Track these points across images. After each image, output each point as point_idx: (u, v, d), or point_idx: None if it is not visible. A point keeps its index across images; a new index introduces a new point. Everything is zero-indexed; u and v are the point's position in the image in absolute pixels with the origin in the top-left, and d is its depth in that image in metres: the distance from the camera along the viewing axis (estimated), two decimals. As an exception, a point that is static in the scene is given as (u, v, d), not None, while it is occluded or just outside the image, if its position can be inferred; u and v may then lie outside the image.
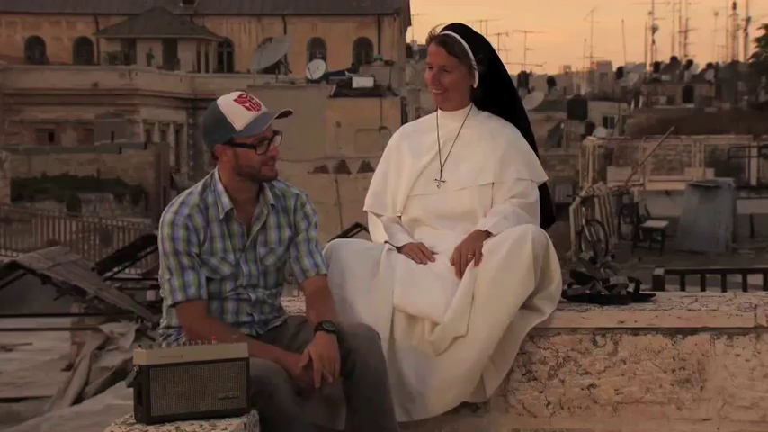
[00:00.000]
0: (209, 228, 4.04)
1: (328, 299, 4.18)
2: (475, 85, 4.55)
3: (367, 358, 4.00)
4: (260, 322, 4.14)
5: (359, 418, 4.04)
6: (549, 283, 4.37)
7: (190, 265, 3.99)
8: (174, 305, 4.02)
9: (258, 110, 4.05)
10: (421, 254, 4.42)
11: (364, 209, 4.71)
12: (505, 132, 4.59)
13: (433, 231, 4.53)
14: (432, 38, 4.53)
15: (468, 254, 4.32)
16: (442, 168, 4.56)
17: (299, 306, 4.53)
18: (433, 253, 4.45)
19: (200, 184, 4.12)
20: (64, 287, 17.77)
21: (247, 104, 4.04)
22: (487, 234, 4.37)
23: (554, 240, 4.57)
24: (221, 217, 4.05)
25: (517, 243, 4.28)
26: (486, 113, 4.63)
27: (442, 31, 4.54)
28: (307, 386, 3.96)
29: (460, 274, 4.31)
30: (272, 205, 4.14)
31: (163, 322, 4.16)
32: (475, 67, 4.51)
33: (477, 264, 4.30)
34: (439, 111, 4.67)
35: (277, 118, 4.08)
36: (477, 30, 4.62)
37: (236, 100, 4.05)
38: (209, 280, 4.04)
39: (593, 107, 68.39)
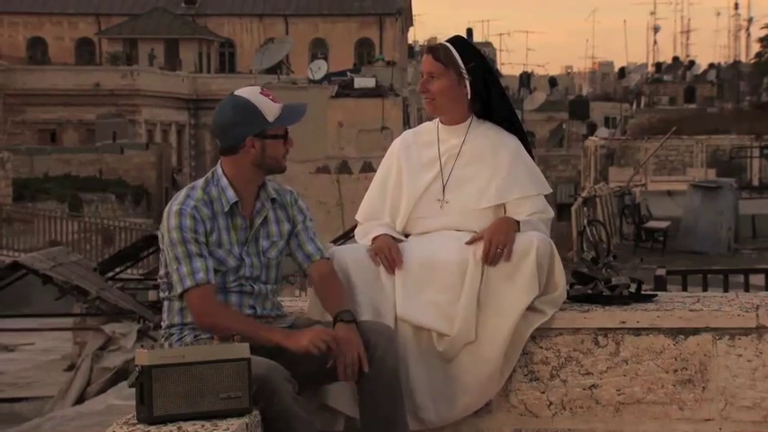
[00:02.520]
0: (215, 220, 4.08)
1: (338, 283, 4.24)
2: (468, 95, 4.51)
3: (385, 355, 4.04)
4: (262, 317, 4.16)
5: (370, 413, 4.07)
6: (554, 290, 4.38)
7: (197, 252, 4.01)
8: (184, 292, 4.01)
9: (279, 102, 4.13)
10: (386, 260, 4.38)
11: (356, 218, 4.66)
12: (508, 147, 4.53)
13: (435, 237, 4.49)
14: (424, 48, 4.54)
15: (498, 247, 4.30)
16: (444, 188, 4.52)
17: (300, 307, 4.54)
18: (432, 257, 4.41)
19: (201, 180, 4.16)
20: (66, 287, 17.77)
21: (271, 97, 4.12)
22: (518, 225, 4.37)
23: (555, 241, 4.58)
24: (226, 210, 4.09)
25: (522, 251, 4.28)
26: (487, 124, 4.57)
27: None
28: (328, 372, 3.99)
29: (487, 260, 4.29)
30: (272, 199, 4.18)
31: (164, 322, 4.16)
32: (465, 75, 4.48)
33: (507, 259, 4.29)
34: (440, 123, 4.61)
35: None
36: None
37: (261, 93, 4.10)
38: (213, 272, 4.05)
39: (595, 107, 68.42)
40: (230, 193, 4.09)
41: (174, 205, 4.06)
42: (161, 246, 4.09)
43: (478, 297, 4.31)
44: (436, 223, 4.50)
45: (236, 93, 4.12)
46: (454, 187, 4.51)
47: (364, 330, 4.10)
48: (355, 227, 4.69)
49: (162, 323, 4.19)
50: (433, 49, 4.50)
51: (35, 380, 18.67)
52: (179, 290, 4.02)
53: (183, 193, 4.11)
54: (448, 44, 4.50)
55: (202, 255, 4.02)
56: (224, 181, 4.11)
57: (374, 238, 4.46)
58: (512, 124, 4.61)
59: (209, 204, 4.08)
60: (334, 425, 4.32)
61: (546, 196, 4.60)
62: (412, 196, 4.53)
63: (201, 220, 4.04)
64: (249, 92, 4.11)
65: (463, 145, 4.54)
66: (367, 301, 4.36)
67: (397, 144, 4.68)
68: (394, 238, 4.48)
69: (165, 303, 4.14)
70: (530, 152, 4.63)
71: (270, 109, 4.09)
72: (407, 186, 4.55)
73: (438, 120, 4.62)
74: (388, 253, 4.39)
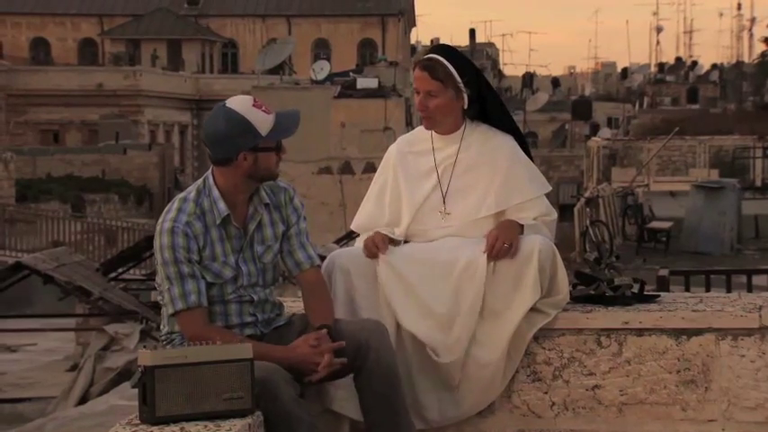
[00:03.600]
0: (208, 233, 4.03)
1: (326, 294, 4.21)
2: (465, 107, 4.47)
3: (378, 352, 4.02)
4: (263, 322, 4.15)
5: (373, 412, 4.05)
6: (556, 293, 4.37)
7: (190, 272, 3.97)
8: (174, 314, 4.01)
9: (271, 113, 4.05)
10: (373, 248, 4.37)
11: (354, 228, 4.64)
12: (503, 150, 4.50)
13: (436, 242, 4.48)
14: (416, 63, 4.44)
15: (504, 242, 4.28)
16: (445, 200, 4.49)
17: (302, 307, 4.53)
18: (433, 258, 4.40)
19: (192, 190, 4.08)
20: (69, 288, 17.79)
21: (264, 108, 4.04)
22: (521, 228, 4.35)
23: (558, 241, 4.57)
24: (218, 222, 4.04)
25: (524, 255, 4.28)
26: (482, 128, 4.53)
27: (427, 53, 4.46)
28: (312, 371, 3.96)
29: (490, 256, 4.28)
30: (265, 204, 4.14)
31: (164, 328, 4.14)
32: (463, 89, 4.43)
33: (512, 256, 4.27)
34: (433, 132, 4.55)
35: None
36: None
37: (253, 105, 4.02)
38: (210, 285, 4.03)
39: (598, 108, 68.42)
40: (221, 206, 4.03)
41: (165, 222, 3.99)
42: (156, 258, 4.06)
43: (482, 304, 4.30)
44: (438, 233, 4.48)
45: (229, 104, 4.02)
46: (454, 198, 4.48)
47: (355, 330, 4.07)
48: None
49: (161, 328, 4.17)
50: (430, 67, 4.39)
51: (38, 380, 18.67)
52: (170, 311, 4.01)
53: (174, 206, 4.04)
54: (442, 59, 4.41)
55: (195, 275, 3.98)
56: (215, 192, 4.04)
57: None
58: (508, 125, 4.59)
59: (201, 218, 4.02)
60: (338, 429, 4.32)
61: (547, 196, 4.58)
62: (412, 207, 4.50)
63: (194, 237, 3.99)
64: (241, 104, 4.02)
65: (459, 153, 4.50)
66: (368, 303, 4.36)
67: (392, 154, 4.62)
68: (392, 239, 4.48)
69: (164, 309, 4.11)
70: (527, 151, 4.59)
71: (262, 122, 4.00)
72: (407, 197, 4.52)
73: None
74: (372, 244, 4.38)
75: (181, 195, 4.09)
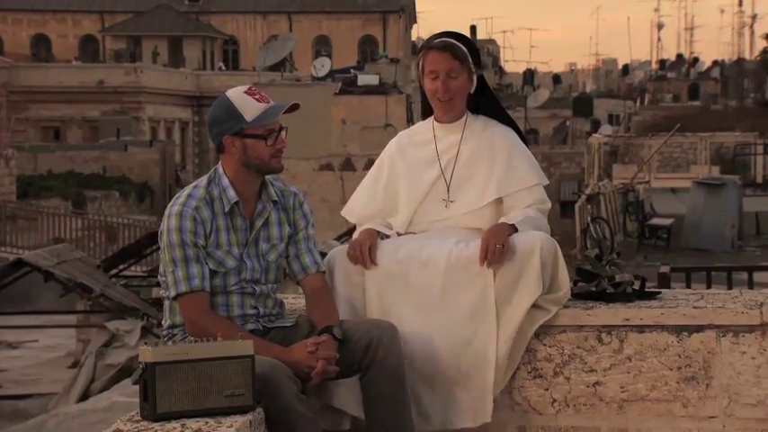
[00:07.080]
0: (215, 220, 4.06)
1: (330, 299, 4.22)
2: (472, 91, 4.49)
3: (387, 354, 4.03)
4: (265, 316, 4.16)
5: (376, 410, 4.06)
6: (558, 290, 4.36)
7: (195, 256, 4.00)
8: (177, 296, 4.01)
9: (267, 102, 4.09)
10: (360, 256, 4.34)
11: (352, 220, 4.61)
12: (505, 140, 4.51)
13: (433, 233, 4.47)
14: (430, 47, 4.41)
15: (496, 245, 4.26)
16: (449, 188, 4.49)
17: (304, 304, 4.53)
18: (426, 261, 4.38)
19: (204, 178, 4.14)
20: (70, 285, 17.80)
21: (257, 96, 4.08)
22: (512, 228, 4.34)
23: (559, 238, 4.57)
24: (226, 210, 4.07)
25: (526, 251, 4.27)
26: (482, 118, 4.54)
27: (437, 38, 4.45)
28: (308, 375, 3.95)
29: (484, 262, 4.26)
30: (273, 201, 4.16)
31: (166, 323, 4.15)
32: (474, 71, 4.45)
33: (507, 255, 4.23)
34: (434, 122, 4.55)
35: (286, 112, 4.12)
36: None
37: (245, 92, 4.08)
38: (213, 273, 4.05)
39: (599, 104, 68.42)
40: (231, 193, 4.08)
41: (175, 206, 4.04)
42: (161, 244, 4.09)
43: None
44: (439, 223, 4.48)
45: (226, 92, 4.12)
46: (458, 186, 4.49)
47: (367, 330, 4.08)
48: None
49: (163, 322, 4.18)
50: (451, 46, 4.39)
51: (39, 377, 18.70)
52: (172, 293, 4.02)
53: (185, 192, 4.09)
54: (455, 41, 4.42)
55: (200, 260, 4.01)
56: (225, 180, 4.09)
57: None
58: (503, 115, 4.60)
59: (209, 204, 4.06)
60: (339, 425, 4.32)
61: (548, 193, 4.58)
62: (415, 197, 4.49)
63: (202, 222, 4.03)
64: (234, 91, 4.10)
65: (461, 143, 4.50)
66: (368, 301, 4.35)
67: (391, 146, 4.63)
68: (384, 234, 4.47)
69: (167, 303, 4.12)
70: (525, 142, 4.60)
71: (249, 108, 4.04)
72: (409, 187, 4.51)
73: (432, 117, 4.56)
74: (359, 251, 4.34)
75: (193, 183, 4.15)
